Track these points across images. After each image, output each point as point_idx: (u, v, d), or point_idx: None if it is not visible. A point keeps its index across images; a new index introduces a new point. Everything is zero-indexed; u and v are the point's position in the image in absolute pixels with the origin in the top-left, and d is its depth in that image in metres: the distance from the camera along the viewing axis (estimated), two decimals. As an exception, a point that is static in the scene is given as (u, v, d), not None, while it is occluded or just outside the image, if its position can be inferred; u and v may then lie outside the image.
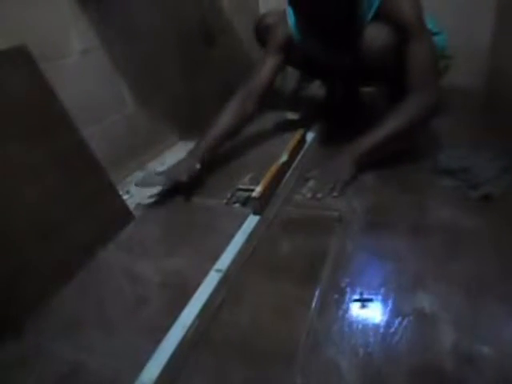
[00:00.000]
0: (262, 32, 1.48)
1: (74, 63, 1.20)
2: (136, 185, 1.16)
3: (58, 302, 0.86)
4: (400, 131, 1.12)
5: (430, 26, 1.17)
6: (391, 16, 1.11)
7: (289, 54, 1.32)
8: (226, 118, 1.30)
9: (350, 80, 1.63)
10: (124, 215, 1.11)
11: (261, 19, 1.52)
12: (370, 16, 1.15)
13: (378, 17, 1.15)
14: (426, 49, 1.10)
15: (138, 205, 1.20)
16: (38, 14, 1.08)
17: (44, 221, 0.91)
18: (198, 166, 1.20)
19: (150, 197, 1.21)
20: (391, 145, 1.15)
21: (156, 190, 1.21)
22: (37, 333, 0.80)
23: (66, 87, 1.04)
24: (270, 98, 1.40)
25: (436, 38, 1.30)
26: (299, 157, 1.24)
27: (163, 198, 1.20)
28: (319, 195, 1.10)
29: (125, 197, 1.21)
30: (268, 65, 1.32)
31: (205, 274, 0.81)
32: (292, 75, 2.01)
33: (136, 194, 1.26)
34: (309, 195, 1.11)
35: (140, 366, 0.63)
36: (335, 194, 1.10)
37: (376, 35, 1.15)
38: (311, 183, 1.14)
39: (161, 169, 1.34)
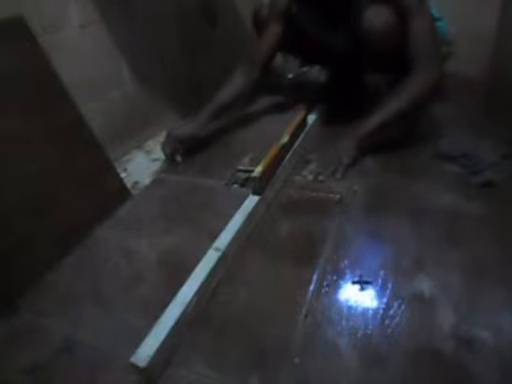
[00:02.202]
0: (260, 24, 1.46)
1: (72, 37, 1.18)
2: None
3: (54, 278, 0.86)
4: (403, 111, 1.10)
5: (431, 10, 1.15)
6: None
7: (289, 23, 1.30)
8: (229, 86, 1.33)
9: (349, 65, 1.61)
10: (121, 193, 1.10)
11: (258, 11, 1.50)
12: None
13: None
14: (426, 25, 1.08)
15: (136, 183, 1.18)
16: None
17: (41, 197, 0.90)
18: (197, 130, 1.28)
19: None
20: (395, 125, 1.14)
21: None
22: (32, 308, 0.79)
23: (64, 61, 1.02)
24: (272, 81, 1.40)
25: (437, 24, 1.28)
26: (300, 139, 1.22)
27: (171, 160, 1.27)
28: (321, 177, 1.09)
29: (122, 175, 1.19)
30: (271, 32, 1.32)
31: (203, 252, 0.80)
32: (293, 59, 1.98)
33: (134, 172, 1.25)
34: (310, 177, 1.10)
35: (136, 342, 0.62)
36: (338, 176, 1.09)
37: (376, 18, 1.13)
38: (313, 165, 1.13)
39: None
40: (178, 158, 1.25)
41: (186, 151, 1.27)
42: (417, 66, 1.08)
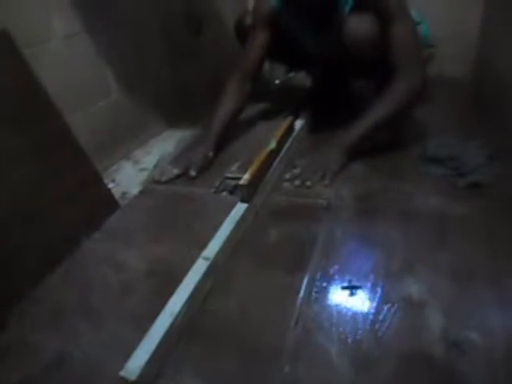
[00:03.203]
0: (243, 32, 1.47)
1: (56, 48, 1.18)
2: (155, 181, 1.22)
3: (43, 292, 0.85)
4: (388, 116, 1.11)
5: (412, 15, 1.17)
6: (371, 2, 1.10)
7: (275, 28, 1.31)
8: (228, 102, 1.34)
9: (333, 70, 1.62)
10: (109, 204, 1.09)
11: (241, 19, 1.51)
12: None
13: (359, 4, 1.14)
14: (408, 32, 1.09)
15: (124, 193, 1.18)
16: (18, -3, 1.05)
17: (27, 209, 0.89)
18: (211, 154, 1.27)
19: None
20: (381, 130, 1.15)
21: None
22: (21, 323, 0.78)
23: (49, 73, 1.02)
24: (258, 87, 1.40)
25: (418, 27, 1.30)
26: (287, 145, 1.23)
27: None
28: (308, 183, 1.09)
29: (110, 185, 1.19)
30: (257, 41, 1.32)
31: (192, 261, 0.79)
32: (279, 65, 1.99)
33: (121, 182, 1.24)
34: (297, 182, 1.10)
35: (126, 355, 0.62)
36: (326, 182, 1.09)
37: (359, 25, 1.14)
38: (298, 170, 1.14)
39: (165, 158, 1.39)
40: (193, 173, 1.20)
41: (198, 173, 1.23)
42: (400, 72, 1.10)
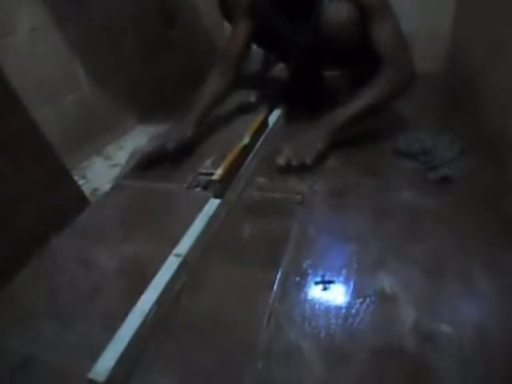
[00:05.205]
0: (226, 5, 1.45)
1: (23, 40, 1.14)
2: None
3: (8, 293, 0.82)
4: (375, 105, 1.11)
5: None
6: None
7: (258, 16, 1.30)
8: (210, 88, 1.32)
9: (312, 61, 1.62)
10: (79, 201, 1.07)
11: None
12: None
13: None
14: (391, 24, 1.10)
15: (95, 190, 1.15)
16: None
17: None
18: (189, 132, 1.23)
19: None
20: (366, 119, 1.15)
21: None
22: (-16, 325, 0.76)
23: (15, 66, 0.98)
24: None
25: None
26: (261, 139, 1.22)
27: (149, 163, 1.20)
28: (294, 162, 1.07)
29: (80, 182, 1.16)
30: (241, 29, 1.31)
31: (164, 259, 0.78)
32: (256, 57, 1.98)
33: (93, 178, 1.21)
34: (282, 162, 1.08)
35: (95, 356, 0.60)
36: (308, 161, 1.07)
37: (336, 12, 1.14)
38: (286, 151, 1.11)
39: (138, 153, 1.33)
40: (170, 145, 1.16)
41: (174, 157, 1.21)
42: (387, 63, 1.09)
